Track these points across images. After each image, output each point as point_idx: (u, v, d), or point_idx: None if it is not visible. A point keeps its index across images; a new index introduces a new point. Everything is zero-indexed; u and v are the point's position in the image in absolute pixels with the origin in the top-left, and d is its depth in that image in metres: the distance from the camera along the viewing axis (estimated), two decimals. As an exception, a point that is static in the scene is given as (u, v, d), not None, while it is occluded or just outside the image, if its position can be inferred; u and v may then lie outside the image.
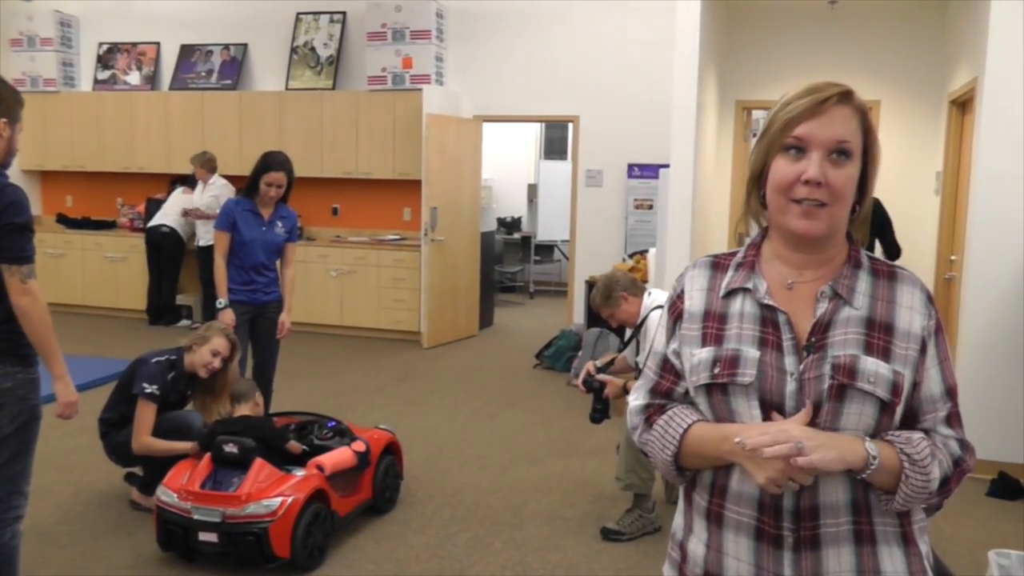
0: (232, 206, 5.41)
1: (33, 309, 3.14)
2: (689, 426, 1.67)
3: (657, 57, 8.81)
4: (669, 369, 1.76)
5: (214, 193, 9.19)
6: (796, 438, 1.50)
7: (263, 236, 5.39)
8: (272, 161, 5.38)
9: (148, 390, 4.54)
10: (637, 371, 4.77)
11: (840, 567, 1.58)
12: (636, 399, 1.80)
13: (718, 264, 1.76)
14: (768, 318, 1.64)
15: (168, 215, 9.69)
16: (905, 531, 1.64)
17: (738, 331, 1.65)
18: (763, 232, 1.74)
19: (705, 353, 1.67)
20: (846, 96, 1.61)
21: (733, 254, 1.76)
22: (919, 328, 1.62)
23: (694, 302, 1.73)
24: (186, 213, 9.51)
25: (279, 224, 5.47)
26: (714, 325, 1.69)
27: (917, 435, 1.59)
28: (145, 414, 4.54)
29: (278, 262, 5.58)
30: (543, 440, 6.18)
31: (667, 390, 1.76)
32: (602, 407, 4.60)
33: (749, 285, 1.68)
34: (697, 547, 1.70)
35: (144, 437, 4.54)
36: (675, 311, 1.76)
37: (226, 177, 9.37)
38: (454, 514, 4.84)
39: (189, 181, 9.75)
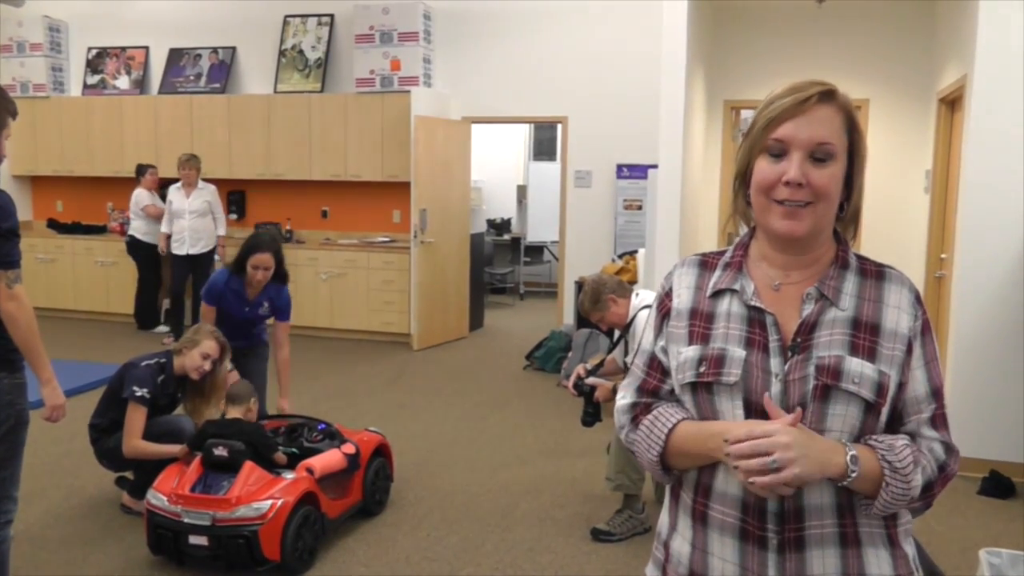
0: (220, 283, 5.25)
1: (19, 314, 3.14)
2: (675, 425, 1.66)
3: (645, 57, 8.83)
4: (656, 367, 1.75)
5: (207, 199, 9.08)
6: (780, 446, 1.47)
7: (244, 315, 5.28)
8: (258, 242, 5.21)
9: (138, 394, 4.53)
10: (627, 372, 4.78)
11: (824, 568, 1.58)
12: (623, 398, 1.80)
13: (706, 263, 1.75)
14: (755, 319, 1.64)
15: (131, 221, 9.61)
16: (890, 533, 1.63)
17: (725, 331, 1.65)
18: (751, 232, 1.73)
19: (691, 351, 1.66)
20: (828, 95, 1.59)
21: (721, 253, 1.75)
22: (906, 328, 1.61)
23: (682, 300, 1.72)
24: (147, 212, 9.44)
25: (264, 305, 5.32)
26: (701, 324, 1.68)
27: (901, 441, 1.58)
28: (135, 418, 4.53)
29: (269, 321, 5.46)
30: (533, 441, 6.18)
31: (654, 388, 1.75)
32: (593, 410, 4.61)
33: (736, 286, 1.67)
34: (682, 546, 1.70)
35: (135, 441, 4.53)
36: (663, 309, 1.76)
37: (214, 181, 9.34)
38: (444, 516, 4.84)
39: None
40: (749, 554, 1.60)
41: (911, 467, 1.55)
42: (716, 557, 1.64)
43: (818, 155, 1.57)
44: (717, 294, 1.69)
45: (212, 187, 9.20)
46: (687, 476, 1.71)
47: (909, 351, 1.61)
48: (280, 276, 5.31)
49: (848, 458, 1.52)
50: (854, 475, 1.52)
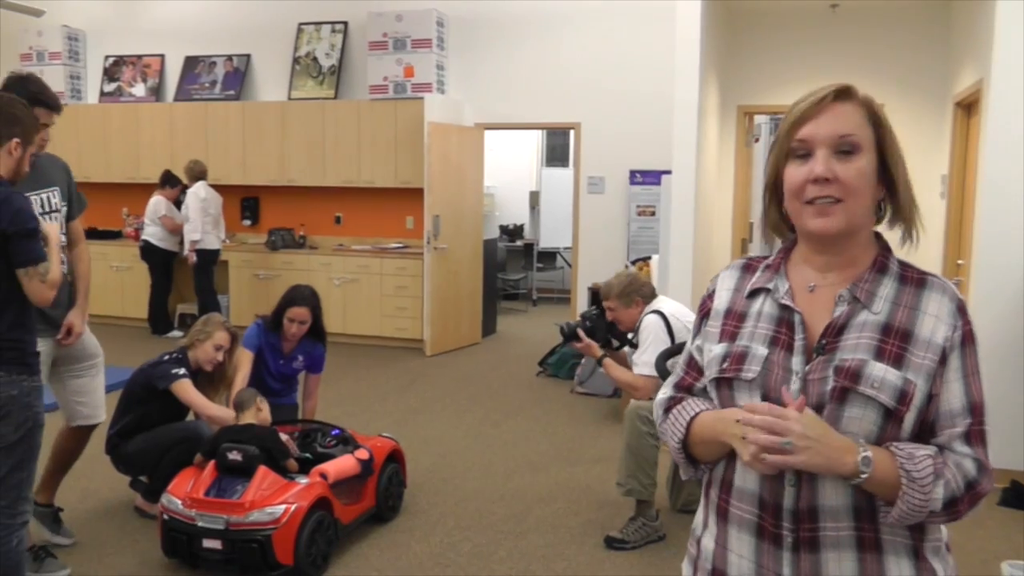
0: (259, 333, 5.20)
1: (54, 293, 3.34)
2: (696, 414, 1.72)
3: (658, 62, 8.81)
4: (693, 365, 1.81)
5: (185, 201, 9.31)
6: (794, 432, 1.48)
7: (279, 368, 5.25)
8: (296, 295, 5.16)
9: (180, 373, 4.61)
10: (631, 367, 4.82)
11: (841, 571, 1.57)
12: (663, 392, 1.86)
13: (749, 266, 1.79)
14: (784, 318, 1.66)
15: (146, 227, 9.73)
16: (916, 545, 1.60)
17: (752, 329, 1.68)
18: (795, 238, 1.75)
19: (719, 349, 1.71)
20: (843, 93, 1.61)
21: (765, 257, 1.78)
22: (941, 338, 1.57)
23: (720, 301, 1.77)
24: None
25: (299, 359, 5.29)
26: (732, 323, 1.72)
27: (923, 451, 1.54)
28: (192, 393, 4.61)
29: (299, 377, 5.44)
30: (546, 448, 6.16)
31: (688, 385, 1.82)
32: (569, 331, 4.78)
33: (771, 286, 1.70)
34: (709, 542, 1.73)
35: (209, 411, 4.61)
36: (704, 309, 1.81)
37: (228, 187, 9.37)
38: (458, 522, 4.83)
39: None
40: (764, 552, 1.61)
41: (930, 478, 1.52)
42: (734, 553, 1.66)
43: (843, 149, 1.59)
44: (753, 294, 1.73)
45: (202, 195, 9.34)
46: (714, 473, 1.73)
47: (943, 362, 1.57)
48: (317, 333, 5.30)
49: (860, 459, 1.50)
50: (864, 476, 1.50)
